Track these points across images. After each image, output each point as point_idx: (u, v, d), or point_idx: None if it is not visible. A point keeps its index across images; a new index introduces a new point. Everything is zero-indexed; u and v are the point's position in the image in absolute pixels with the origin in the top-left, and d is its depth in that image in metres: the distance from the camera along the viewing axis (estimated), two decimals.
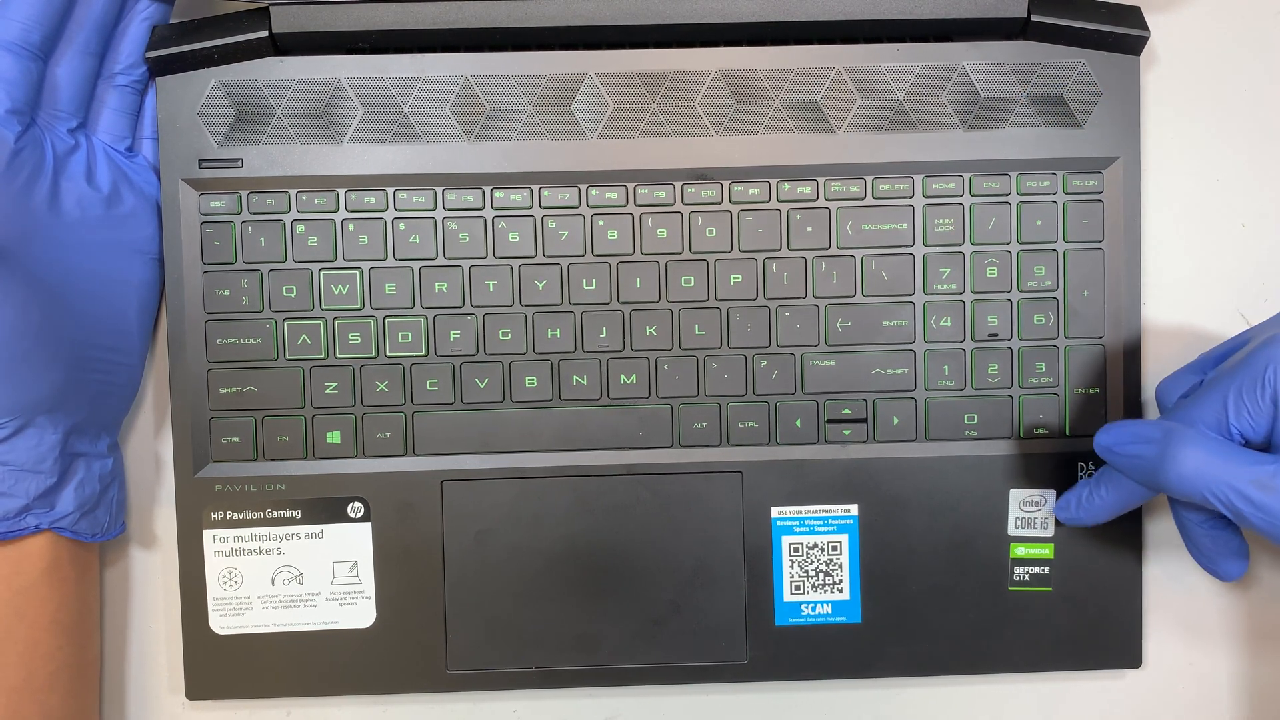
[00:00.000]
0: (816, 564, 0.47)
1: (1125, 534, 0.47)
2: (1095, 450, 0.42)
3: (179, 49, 0.44)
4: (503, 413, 0.47)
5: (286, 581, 0.47)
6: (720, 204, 0.46)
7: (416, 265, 0.46)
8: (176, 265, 0.46)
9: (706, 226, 0.46)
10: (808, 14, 0.45)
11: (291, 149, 0.46)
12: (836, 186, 0.46)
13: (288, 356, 0.46)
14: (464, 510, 0.46)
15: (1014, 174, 0.46)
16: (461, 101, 0.46)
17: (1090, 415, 0.47)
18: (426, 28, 0.45)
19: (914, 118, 0.46)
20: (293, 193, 0.46)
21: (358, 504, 0.46)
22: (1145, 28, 0.46)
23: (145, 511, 0.48)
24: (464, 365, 0.46)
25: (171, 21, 0.46)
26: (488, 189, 0.46)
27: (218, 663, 0.46)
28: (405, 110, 0.46)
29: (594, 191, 0.46)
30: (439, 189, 0.46)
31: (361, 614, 0.47)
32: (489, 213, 0.46)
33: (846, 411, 0.47)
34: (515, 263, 0.46)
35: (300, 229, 0.46)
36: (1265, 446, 0.39)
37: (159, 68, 0.45)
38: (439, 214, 0.46)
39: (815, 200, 0.46)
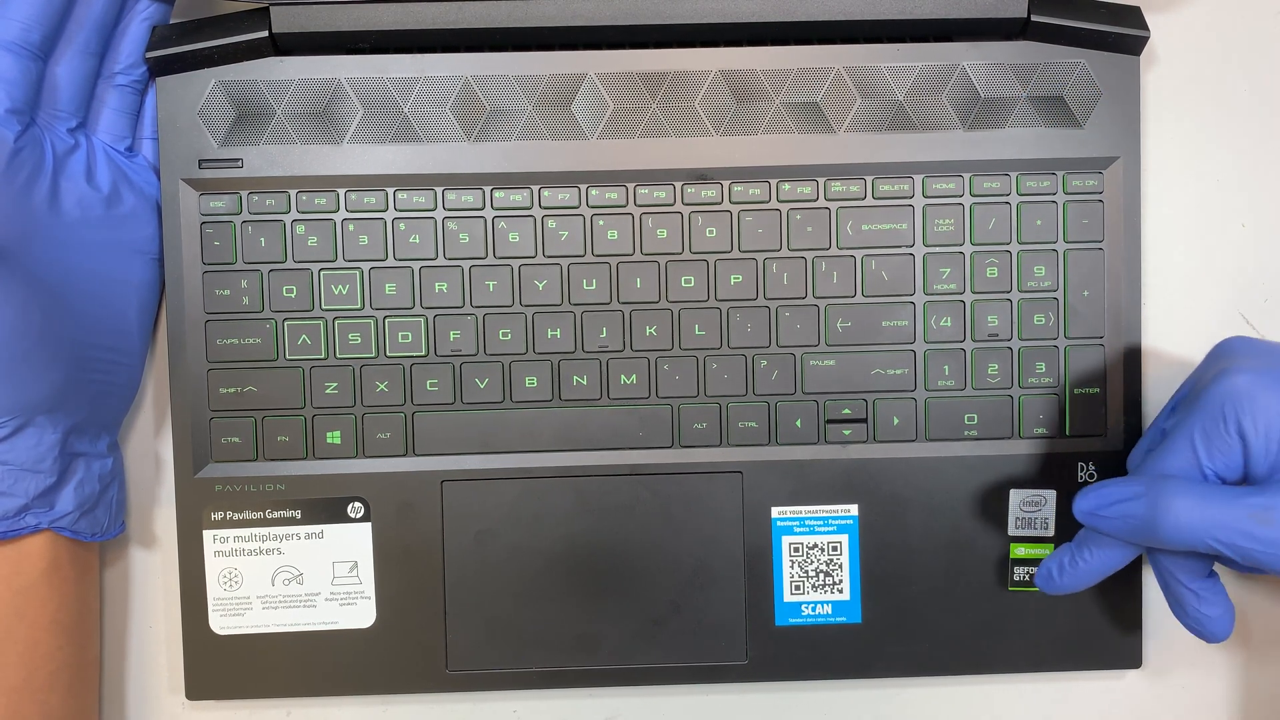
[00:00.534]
0: (816, 564, 0.47)
1: None
2: (1076, 516, 0.41)
3: (179, 49, 0.44)
4: (503, 413, 0.47)
5: (286, 582, 0.47)
6: (720, 204, 0.46)
7: (416, 265, 0.46)
8: (176, 265, 0.46)
9: (706, 227, 0.46)
10: (808, 14, 0.45)
11: (291, 149, 0.46)
12: (836, 186, 0.46)
13: (288, 357, 0.46)
14: (464, 510, 0.46)
15: (1014, 174, 0.46)
16: (461, 101, 0.46)
17: (1090, 415, 0.47)
18: (426, 28, 0.45)
19: (914, 118, 0.46)
20: (293, 193, 0.46)
21: (358, 504, 0.46)
22: (1145, 28, 0.46)
23: (145, 511, 0.48)
24: (464, 365, 0.46)
25: (171, 21, 0.46)
26: (488, 189, 0.46)
27: (218, 663, 0.46)
28: (405, 110, 0.46)
29: (594, 191, 0.46)
30: (439, 189, 0.46)
31: (361, 614, 0.47)
32: (489, 213, 0.46)
33: (847, 412, 0.47)
34: (515, 263, 0.46)
35: (300, 229, 0.46)
36: (1241, 481, 0.39)
37: (159, 68, 0.45)
38: (439, 214, 0.46)
39: (815, 200, 0.46)
